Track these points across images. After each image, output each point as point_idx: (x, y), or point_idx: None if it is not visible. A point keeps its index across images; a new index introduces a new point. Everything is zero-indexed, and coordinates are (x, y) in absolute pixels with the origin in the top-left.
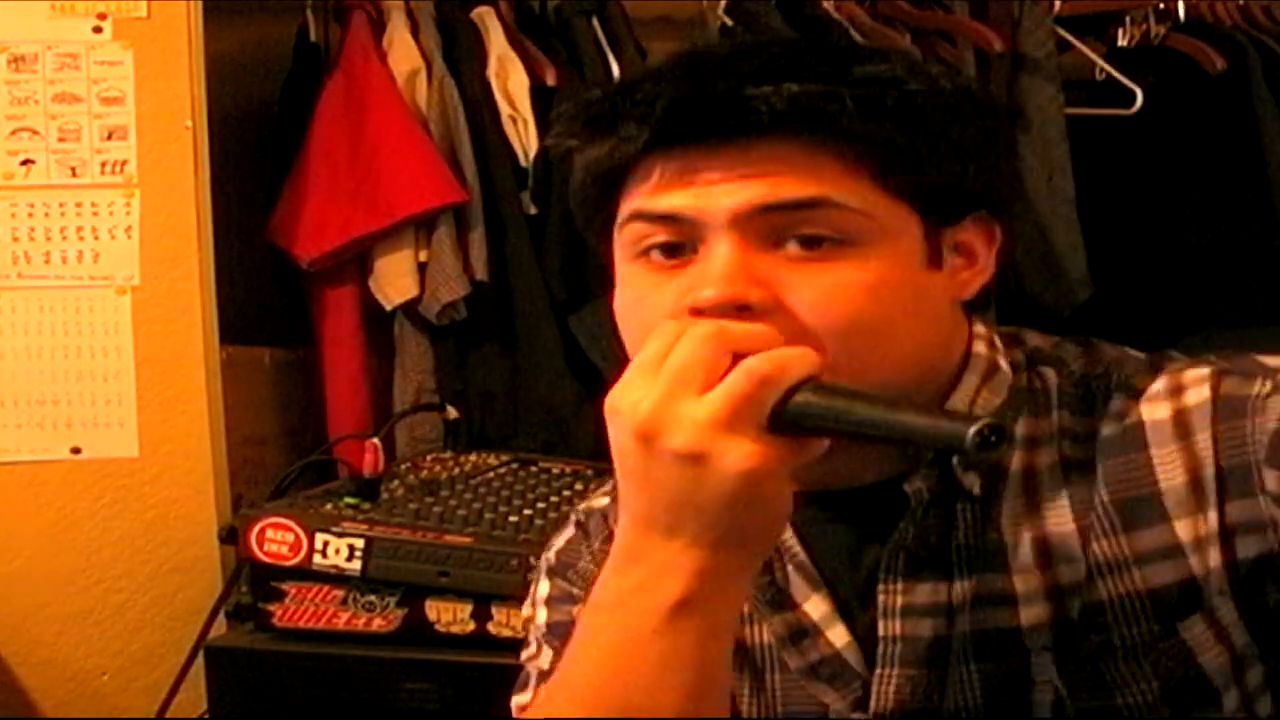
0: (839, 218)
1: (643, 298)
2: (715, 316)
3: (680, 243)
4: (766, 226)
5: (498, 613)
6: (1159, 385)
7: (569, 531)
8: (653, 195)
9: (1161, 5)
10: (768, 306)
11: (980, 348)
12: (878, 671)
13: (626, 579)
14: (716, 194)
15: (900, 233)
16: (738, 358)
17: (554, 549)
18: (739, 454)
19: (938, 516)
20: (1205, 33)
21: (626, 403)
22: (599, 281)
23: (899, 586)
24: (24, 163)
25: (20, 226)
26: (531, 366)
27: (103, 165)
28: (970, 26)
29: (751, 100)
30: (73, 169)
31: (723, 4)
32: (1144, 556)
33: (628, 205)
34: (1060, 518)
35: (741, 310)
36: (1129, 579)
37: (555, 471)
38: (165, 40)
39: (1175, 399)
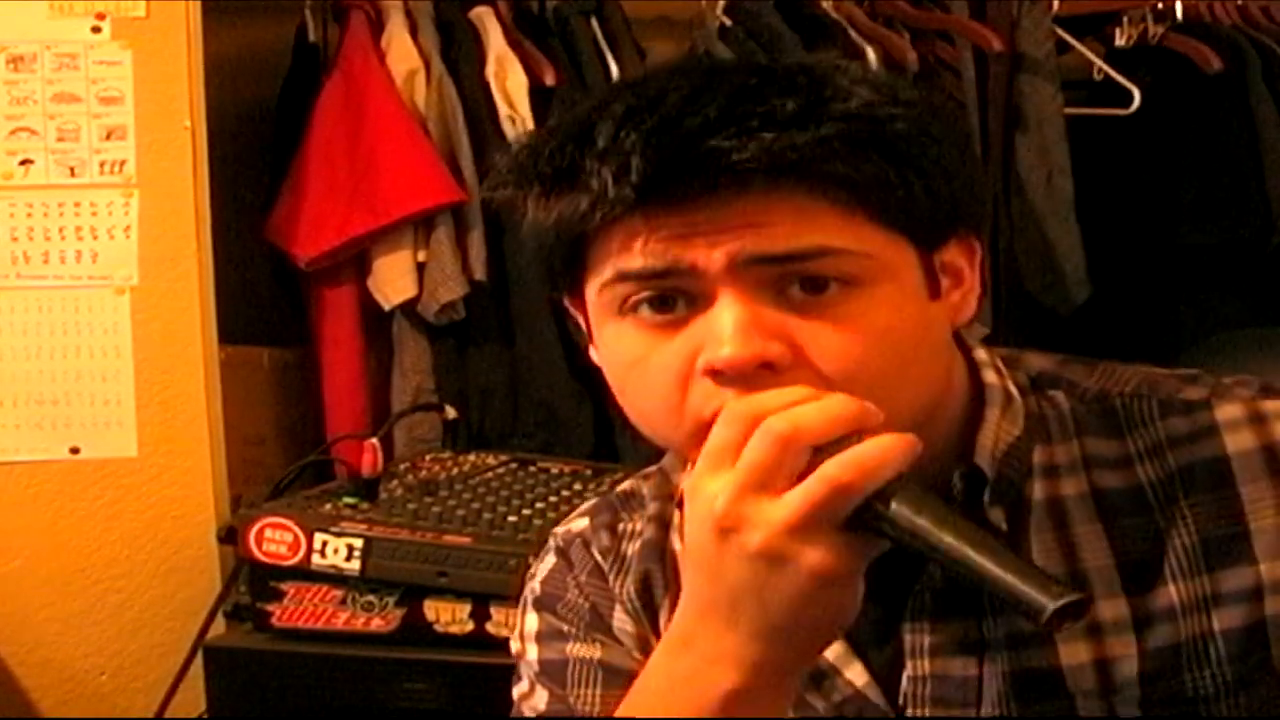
0: (839, 263)
1: (642, 359)
2: (735, 377)
3: (672, 296)
4: (765, 275)
5: (496, 613)
6: (1234, 411)
7: (550, 560)
8: (641, 255)
9: (1160, 5)
10: (788, 363)
11: (991, 376)
12: (909, 712)
13: (679, 664)
14: (712, 249)
15: (900, 267)
16: (817, 449)
17: (538, 579)
18: (814, 558)
19: None
20: (1203, 33)
21: (704, 493)
22: None
23: (926, 626)
24: (23, 162)
25: (19, 226)
26: (530, 366)
27: (101, 165)
28: (969, 26)
29: (734, 154)
30: (71, 169)
31: (721, 4)
32: (1224, 598)
33: (610, 265)
34: (1098, 552)
35: (763, 368)
36: (1206, 620)
37: (554, 471)
38: (164, 40)
39: (1261, 429)
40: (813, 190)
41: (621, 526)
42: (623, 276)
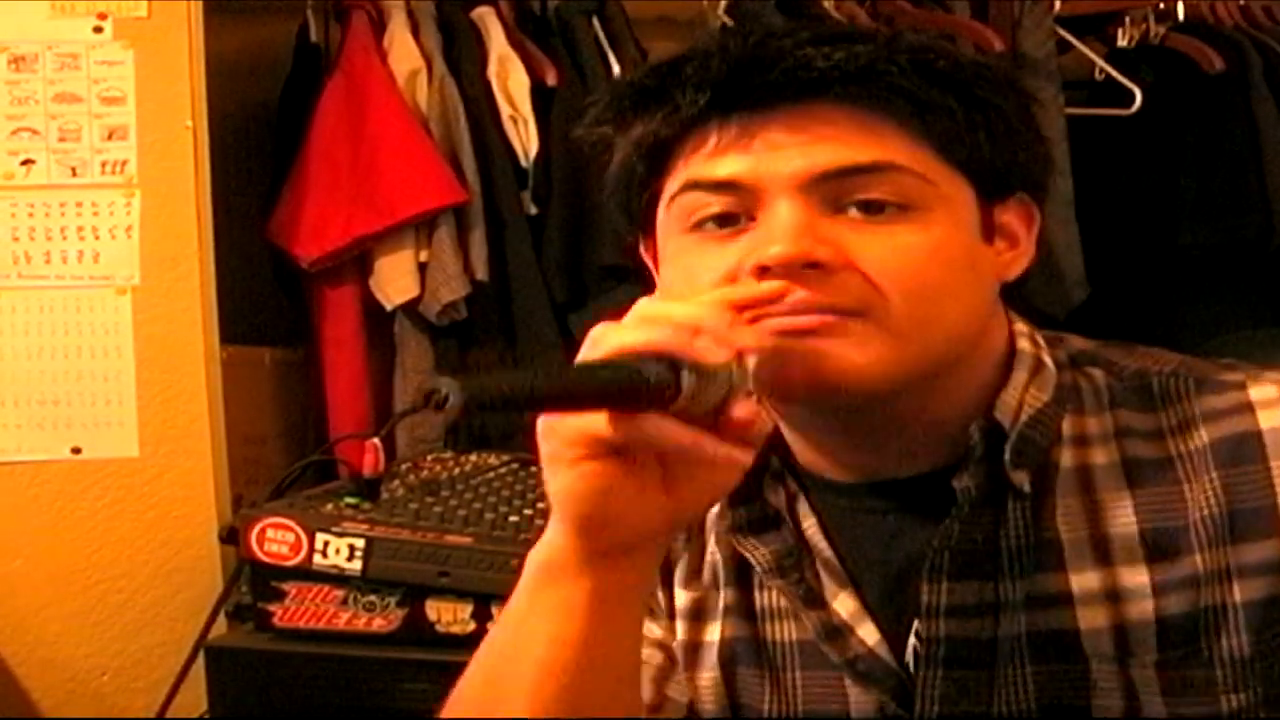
0: (900, 182)
1: (695, 265)
2: (782, 274)
3: (736, 213)
4: (828, 191)
5: (498, 613)
6: (1269, 391)
7: None
8: (710, 161)
9: (1161, 5)
10: (837, 264)
11: (1025, 344)
12: (921, 673)
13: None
14: (778, 159)
15: (957, 201)
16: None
17: None
18: None
19: (985, 515)
20: (1204, 33)
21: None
22: (598, 281)
23: (943, 587)
24: (24, 163)
25: (20, 226)
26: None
27: (103, 165)
28: (970, 26)
29: (812, 61)
30: (73, 169)
31: (723, 4)
32: (1246, 569)
33: (682, 174)
34: (1124, 518)
35: (809, 267)
36: (1227, 591)
37: None
38: (166, 40)
39: None
40: (879, 107)
41: None
42: (691, 185)
